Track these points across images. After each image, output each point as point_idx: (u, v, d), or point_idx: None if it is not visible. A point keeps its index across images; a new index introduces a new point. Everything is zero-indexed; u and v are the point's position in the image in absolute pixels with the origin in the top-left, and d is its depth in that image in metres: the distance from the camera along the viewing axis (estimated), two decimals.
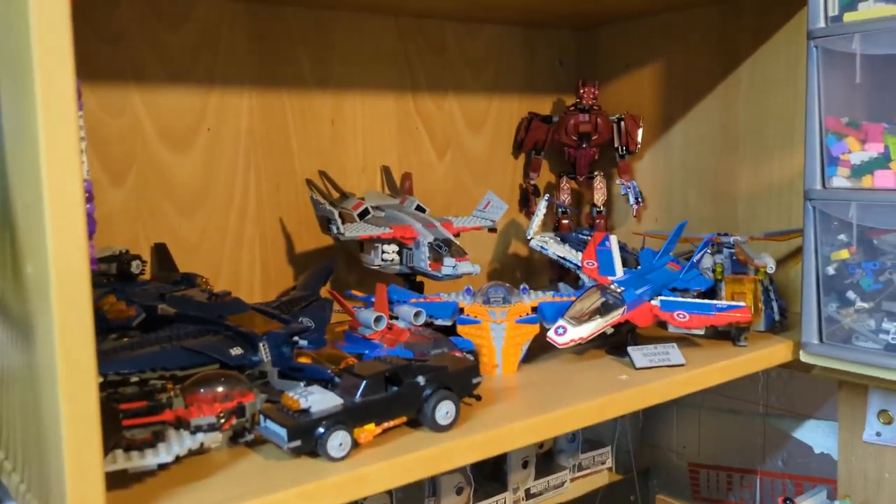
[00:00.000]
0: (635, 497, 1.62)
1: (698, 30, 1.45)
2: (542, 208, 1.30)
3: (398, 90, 1.46)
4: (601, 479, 1.60)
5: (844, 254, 1.05)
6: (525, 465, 1.47)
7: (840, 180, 1.04)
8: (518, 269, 1.63)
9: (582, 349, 1.14)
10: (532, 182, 1.59)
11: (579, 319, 1.04)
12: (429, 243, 1.21)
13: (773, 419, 1.44)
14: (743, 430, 1.50)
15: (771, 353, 1.12)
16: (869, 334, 1.04)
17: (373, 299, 1.13)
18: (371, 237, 1.22)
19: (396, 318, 1.10)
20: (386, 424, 0.83)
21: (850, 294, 1.05)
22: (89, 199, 0.69)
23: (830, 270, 1.07)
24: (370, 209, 1.28)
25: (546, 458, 1.55)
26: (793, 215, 1.30)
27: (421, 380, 0.84)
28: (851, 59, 1.02)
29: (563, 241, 1.31)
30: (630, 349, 1.06)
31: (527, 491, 1.47)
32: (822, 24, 1.04)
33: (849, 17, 1.01)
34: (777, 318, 1.18)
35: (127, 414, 0.75)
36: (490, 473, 1.47)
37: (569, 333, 1.02)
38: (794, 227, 1.26)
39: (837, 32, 1.02)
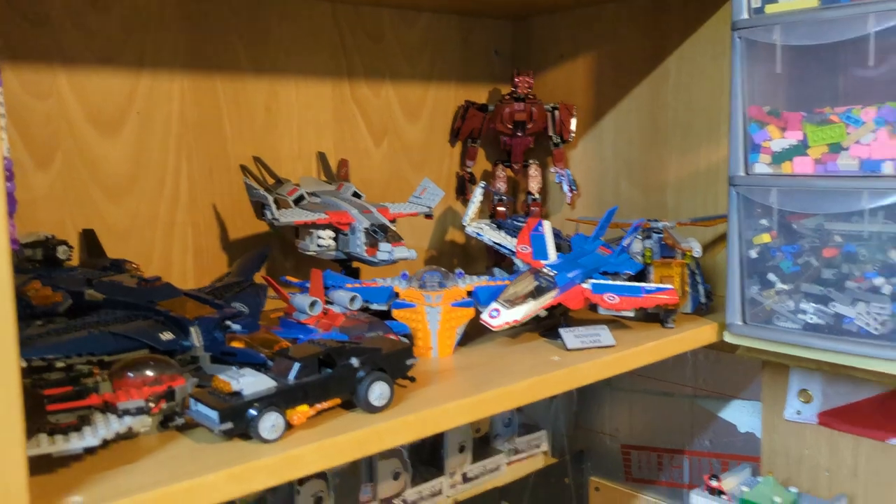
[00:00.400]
0: (569, 479, 1.65)
1: (628, 21, 1.48)
2: (477, 195, 1.31)
3: (334, 77, 1.45)
4: (537, 463, 1.63)
5: (766, 238, 1.09)
6: (462, 449, 1.48)
7: (762, 167, 1.08)
8: (455, 256, 1.65)
9: (516, 332, 1.16)
10: (468, 170, 1.61)
11: (513, 302, 1.05)
12: (365, 229, 1.21)
13: (701, 401, 1.49)
14: (673, 412, 1.54)
15: (697, 335, 1.16)
16: (789, 315, 1.08)
17: (308, 285, 1.12)
18: (306, 223, 1.21)
19: (332, 303, 1.10)
20: (319, 406, 0.83)
21: (771, 276, 1.09)
22: (10, 177, 0.67)
23: (753, 254, 1.11)
24: (305, 195, 1.28)
25: (483, 443, 1.57)
26: (719, 202, 1.35)
27: (355, 362, 0.84)
28: (773, 49, 1.06)
29: (499, 227, 1.33)
30: (562, 331, 1.08)
31: (463, 475, 1.49)
32: (745, 15, 1.07)
33: (770, 8, 1.05)
34: (703, 300, 1.22)
35: (51, 399, 0.73)
36: (427, 458, 1.49)
37: (503, 316, 1.04)
38: (720, 213, 1.30)
39: (760, 24, 1.06)
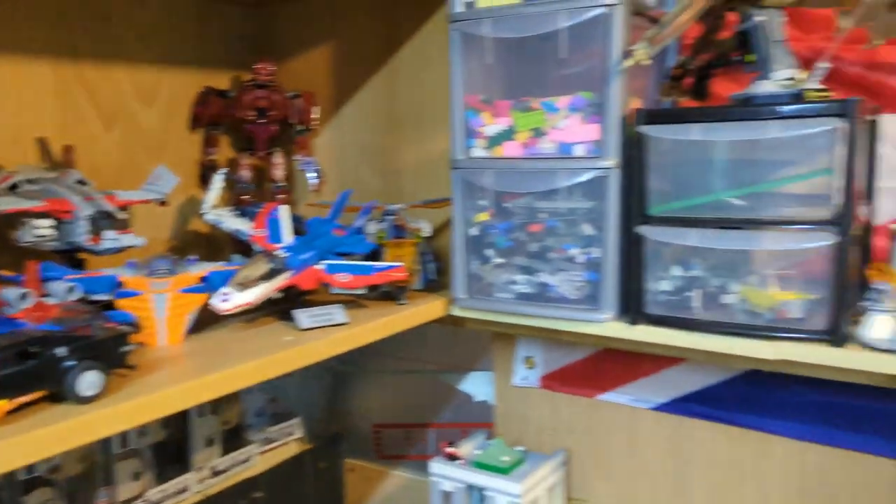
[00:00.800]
0: (323, 463, 1.68)
1: (363, 12, 1.52)
2: (216, 183, 1.29)
3: (56, 55, 1.35)
4: (291, 450, 1.63)
5: (484, 216, 1.19)
6: (210, 443, 1.45)
7: (478, 151, 1.17)
8: (200, 246, 1.60)
9: (252, 316, 1.15)
10: (211, 158, 1.57)
11: (244, 285, 1.05)
12: (87, 216, 1.14)
13: (443, 375, 1.58)
14: (418, 389, 1.62)
15: (427, 309, 1.23)
16: (504, 286, 1.18)
17: (23, 278, 1.04)
18: (18, 211, 1.12)
19: (49, 295, 1.03)
20: (21, 400, 0.78)
21: (489, 252, 1.19)
22: None
23: (474, 232, 1.19)
24: (21, 183, 1.18)
25: (233, 435, 1.55)
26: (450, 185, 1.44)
27: (61, 351, 0.80)
28: (485, 42, 1.15)
29: (243, 215, 1.32)
30: (295, 312, 1.10)
31: (212, 469, 1.46)
32: (459, 9, 1.15)
33: (481, 3, 1.14)
34: (434, 277, 1.30)
35: None
36: (173, 455, 1.44)
37: (233, 299, 1.03)
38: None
39: (472, 17, 1.14)
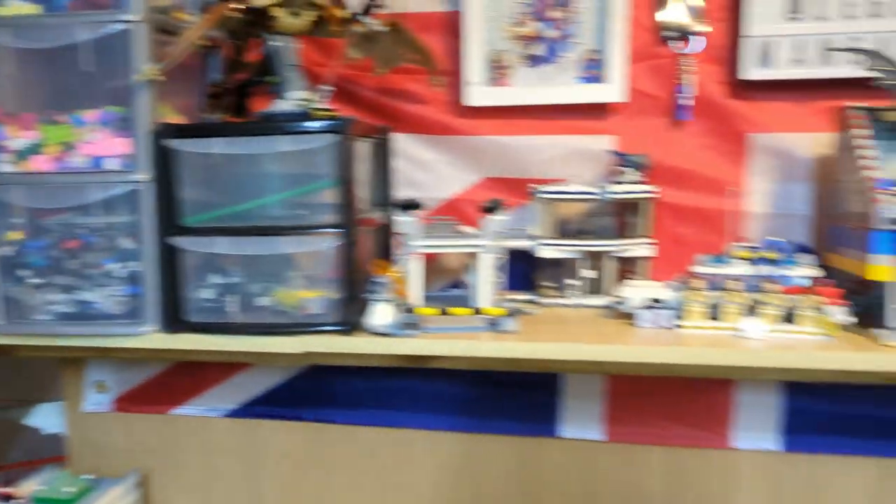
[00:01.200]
0: None
1: None
2: None
3: None
4: None
5: (17, 235, 1.12)
6: None
7: (5, 166, 1.11)
8: None
9: None
10: None
11: None
12: None
13: (7, 412, 1.45)
14: None
15: None
16: (43, 307, 1.12)
17: None
18: None
19: None
20: None
21: (26, 272, 1.12)
22: None
23: (6, 252, 1.12)
24: None
25: None
26: None
27: None
28: (5, 52, 1.09)
29: None
30: None
31: None
32: None
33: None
34: None
35: None
36: None
37: None
38: None
39: None
